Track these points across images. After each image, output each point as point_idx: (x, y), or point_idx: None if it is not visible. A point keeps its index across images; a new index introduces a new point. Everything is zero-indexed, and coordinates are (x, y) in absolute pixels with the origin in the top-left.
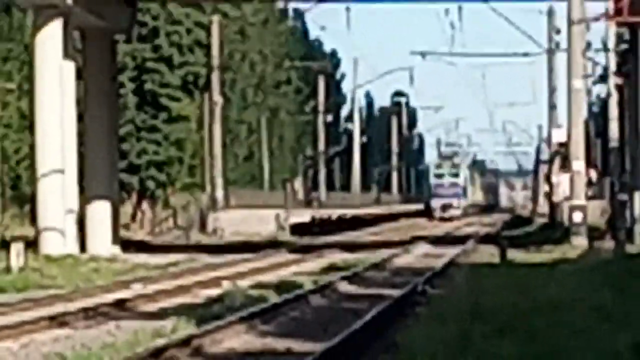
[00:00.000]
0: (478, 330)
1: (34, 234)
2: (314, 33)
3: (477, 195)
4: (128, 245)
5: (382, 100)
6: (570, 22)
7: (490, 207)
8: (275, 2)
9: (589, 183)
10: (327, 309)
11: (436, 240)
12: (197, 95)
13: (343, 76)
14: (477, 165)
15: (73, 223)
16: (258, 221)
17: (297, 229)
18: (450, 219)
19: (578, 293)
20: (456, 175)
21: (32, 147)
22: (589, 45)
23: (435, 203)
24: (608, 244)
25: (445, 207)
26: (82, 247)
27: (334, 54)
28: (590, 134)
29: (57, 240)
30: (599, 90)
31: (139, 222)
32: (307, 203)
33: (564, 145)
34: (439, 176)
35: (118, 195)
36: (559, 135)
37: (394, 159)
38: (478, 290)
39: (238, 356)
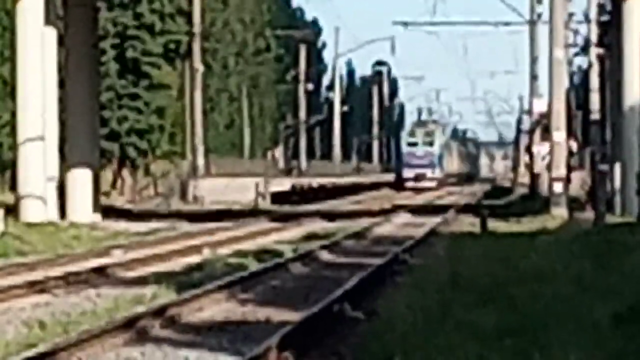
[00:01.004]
0: (458, 300)
1: (14, 201)
2: (295, 1)
3: (455, 165)
4: (108, 213)
5: (364, 69)
6: None
7: (469, 177)
8: None
9: (570, 154)
10: (307, 278)
11: (417, 210)
12: (178, 63)
13: (324, 45)
14: (457, 135)
15: (53, 190)
16: (238, 189)
17: (278, 197)
18: (422, 190)
19: (558, 263)
20: (431, 143)
21: (13, 114)
22: (570, 15)
23: (408, 173)
24: (588, 214)
25: (418, 178)
26: (63, 214)
27: (315, 22)
28: (571, 104)
29: (38, 207)
30: (581, 61)
31: (119, 190)
32: (288, 171)
33: (545, 116)
34: (412, 144)
35: (99, 163)
36: (540, 106)
37: (375, 129)
38: (458, 259)
39: (218, 324)
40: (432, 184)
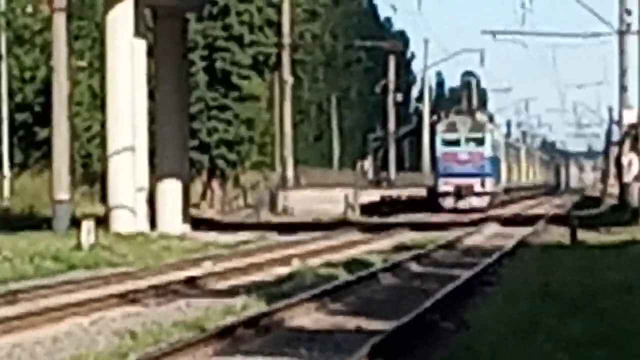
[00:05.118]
0: (548, 310)
1: (104, 212)
2: (383, 13)
3: (537, 175)
4: (198, 224)
5: (452, 80)
6: None
7: (552, 189)
8: None
9: None
10: (397, 288)
11: (506, 221)
12: (267, 75)
13: (413, 56)
14: (546, 146)
15: (143, 201)
16: (328, 200)
17: (367, 208)
18: (468, 211)
19: None
20: (480, 141)
21: (103, 125)
22: None
23: (444, 186)
24: None
25: (460, 192)
26: (152, 225)
27: (402, 33)
28: None
29: (128, 218)
30: None
31: (209, 201)
32: (377, 183)
33: (635, 127)
34: (452, 143)
35: (188, 174)
36: (629, 117)
37: None
38: (548, 270)
39: (308, 334)
40: (482, 202)
